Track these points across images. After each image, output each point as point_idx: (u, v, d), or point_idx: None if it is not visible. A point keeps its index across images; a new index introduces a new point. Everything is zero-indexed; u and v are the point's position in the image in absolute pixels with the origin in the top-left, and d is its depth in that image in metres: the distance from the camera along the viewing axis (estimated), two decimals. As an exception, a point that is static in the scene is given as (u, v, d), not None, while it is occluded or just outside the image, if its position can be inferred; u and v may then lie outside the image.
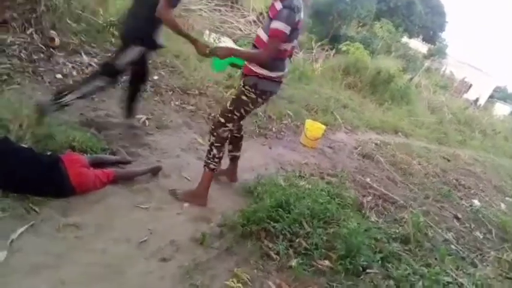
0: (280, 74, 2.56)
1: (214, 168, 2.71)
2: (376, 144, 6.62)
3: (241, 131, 3.14)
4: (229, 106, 2.61)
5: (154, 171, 2.84)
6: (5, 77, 3.11)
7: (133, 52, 2.83)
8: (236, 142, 3.13)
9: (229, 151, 3.13)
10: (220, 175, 3.15)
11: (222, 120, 2.61)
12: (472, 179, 6.97)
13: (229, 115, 2.60)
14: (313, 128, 5.12)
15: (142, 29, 2.82)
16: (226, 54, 2.42)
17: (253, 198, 2.94)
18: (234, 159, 3.20)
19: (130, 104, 3.33)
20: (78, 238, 2.02)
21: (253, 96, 2.55)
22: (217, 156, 2.69)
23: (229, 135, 2.73)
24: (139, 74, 3.25)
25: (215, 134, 2.64)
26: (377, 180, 4.66)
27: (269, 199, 2.75)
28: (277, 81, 2.61)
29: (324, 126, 5.25)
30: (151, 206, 2.50)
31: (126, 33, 2.95)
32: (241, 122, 3.00)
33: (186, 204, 2.64)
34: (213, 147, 2.67)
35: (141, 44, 2.86)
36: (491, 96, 32.17)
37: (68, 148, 2.55)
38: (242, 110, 2.60)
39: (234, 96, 2.64)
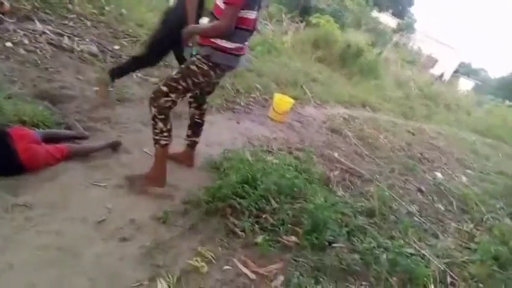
0: (238, 45, 2.30)
1: (165, 144, 2.46)
2: (344, 118, 6.66)
3: (203, 116, 2.89)
4: (175, 74, 2.33)
5: (114, 147, 2.70)
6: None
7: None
8: (197, 127, 2.91)
9: (188, 136, 2.93)
10: (175, 159, 2.88)
11: (165, 89, 2.31)
12: (435, 152, 7.16)
13: (174, 84, 2.30)
14: (282, 102, 5.04)
15: None
16: (189, 36, 2.39)
17: (218, 174, 2.86)
18: (192, 145, 2.96)
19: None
20: (28, 219, 1.88)
21: (205, 68, 2.29)
22: (164, 129, 2.41)
23: (171, 107, 2.38)
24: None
25: (156, 104, 2.33)
26: (344, 154, 4.68)
27: (235, 175, 2.67)
28: (235, 55, 2.33)
29: (292, 100, 5.18)
30: (110, 183, 2.37)
31: None
32: (204, 106, 2.81)
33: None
34: (157, 120, 2.38)
35: None
36: (455, 71, 33.09)
37: (18, 123, 2.35)
38: (189, 81, 2.30)
39: (183, 65, 2.38)
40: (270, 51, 8.18)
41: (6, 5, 3.83)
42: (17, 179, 2.08)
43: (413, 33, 26.02)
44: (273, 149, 3.86)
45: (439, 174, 5.63)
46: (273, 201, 2.63)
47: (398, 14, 30.51)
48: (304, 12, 12.30)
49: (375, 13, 21.69)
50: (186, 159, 2.97)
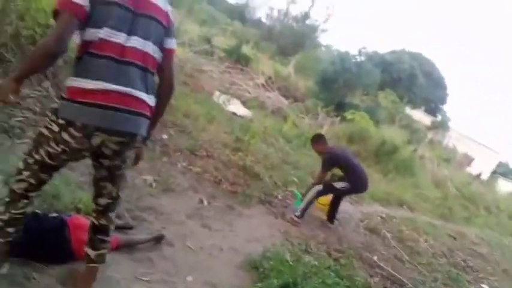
0: (100, 86, 1.59)
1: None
2: (381, 217, 6.49)
3: (105, 214, 1.93)
4: (30, 146, 1.74)
5: (158, 240, 2.72)
6: (17, 130, 3.09)
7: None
8: (93, 234, 1.96)
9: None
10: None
11: (20, 165, 1.73)
12: (479, 260, 6.73)
13: (27, 158, 1.71)
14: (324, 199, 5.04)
15: None
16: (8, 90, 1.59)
17: (258, 275, 2.78)
18: (89, 263, 1.96)
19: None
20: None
21: (55, 128, 1.62)
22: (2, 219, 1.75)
23: (24, 193, 1.73)
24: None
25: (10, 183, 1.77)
26: (384, 258, 4.47)
27: (276, 278, 2.59)
28: (96, 105, 1.59)
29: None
30: (153, 278, 2.34)
31: None
32: (112, 196, 1.89)
33: (189, 278, 2.48)
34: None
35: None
36: (493, 172, 32.23)
37: (73, 210, 2.45)
38: (42, 151, 1.66)
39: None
40: (305, 145, 8.36)
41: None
42: (67, 269, 2.10)
43: (447, 131, 26.06)
44: (311, 249, 3.75)
45: (486, 287, 5.22)
46: (314, 312, 2.50)
47: (431, 111, 31.03)
48: (339, 107, 12.75)
49: (408, 110, 22.17)
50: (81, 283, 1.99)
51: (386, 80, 22.76)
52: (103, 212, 1.92)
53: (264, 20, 27.73)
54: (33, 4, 4.37)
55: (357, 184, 4.71)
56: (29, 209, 1.82)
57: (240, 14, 27.54)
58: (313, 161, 7.51)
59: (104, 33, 1.62)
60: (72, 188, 2.66)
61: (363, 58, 15.35)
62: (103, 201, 1.90)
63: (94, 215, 1.94)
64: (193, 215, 3.38)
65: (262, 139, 6.90)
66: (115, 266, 2.29)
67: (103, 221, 1.93)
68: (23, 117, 3.34)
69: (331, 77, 13.11)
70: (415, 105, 26.11)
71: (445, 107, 35.42)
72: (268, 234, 3.77)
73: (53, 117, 1.62)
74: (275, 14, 26.44)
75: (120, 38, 1.65)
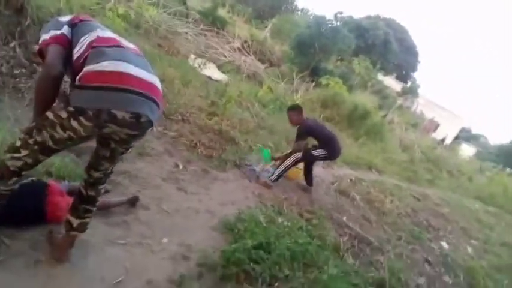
0: (116, 69, 1.59)
1: None
2: (351, 180, 6.72)
3: (95, 186, 1.96)
4: (32, 123, 1.70)
5: (133, 202, 2.74)
6: (-19, 92, 2.97)
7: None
8: (79, 203, 1.97)
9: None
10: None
11: (17, 143, 1.68)
12: (440, 220, 7.15)
13: (26, 137, 1.67)
14: None
15: None
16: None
17: (233, 236, 2.88)
18: (70, 231, 1.99)
19: None
20: (50, 276, 1.89)
21: (63, 115, 1.60)
22: None
23: (18, 171, 1.70)
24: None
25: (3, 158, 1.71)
26: (352, 219, 4.69)
27: (250, 239, 2.70)
28: (116, 89, 1.57)
29: None
30: (129, 241, 2.39)
31: None
32: (106, 172, 1.95)
33: (165, 240, 2.54)
34: None
35: None
36: (457, 137, 33.58)
37: (45, 174, 2.42)
38: (45, 134, 1.62)
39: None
40: (281, 109, 8.41)
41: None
42: (40, 234, 2.11)
43: (416, 97, 26.72)
44: (284, 211, 3.89)
45: (445, 244, 5.60)
46: (285, 269, 2.63)
47: (402, 78, 31.58)
48: (314, 73, 12.77)
49: (380, 76, 22.47)
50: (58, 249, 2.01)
51: (360, 45, 22.86)
52: (93, 183, 1.94)
53: (240, -18, 26.89)
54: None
55: (331, 152, 4.95)
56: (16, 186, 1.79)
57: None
58: (288, 126, 7.58)
59: (98, 33, 1.75)
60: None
61: (338, 23, 15.23)
62: (97, 174, 1.92)
63: (83, 184, 1.95)
64: (168, 179, 3.42)
65: (238, 104, 6.89)
66: (90, 229, 2.29)
67: (92, 192, 1.96)
68: (-13, 78, 3.20)
69: (306, 41, 12.99)
70: (387, 72, 26.49)
71: (415, 74, 36.14)
72: (243, 197, 3.87)
73: (61, 105, 1.62)
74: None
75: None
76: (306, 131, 4.77)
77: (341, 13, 15.86)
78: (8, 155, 1.68)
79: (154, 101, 1.69)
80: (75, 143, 1.73)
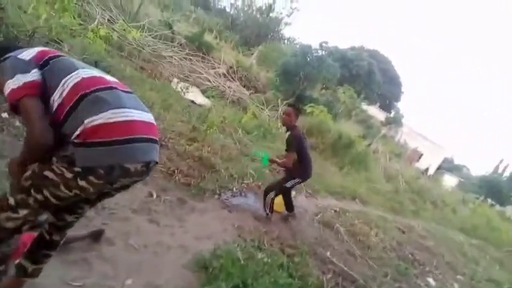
0: (119, 113, 1.48)
1: None
2: (335, 211, 6.53)
3: (62, 231, 1.80)
4: (26, 179, 1.52)
5: (96, 236, 2.48)
6: None
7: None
8: (38, 248, 1.77)
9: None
10: None
11: (11, 200, 1.51)
12: (426, 253, 6.98)
13: (23, 196, 1.50)
14: None
15: None
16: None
17: (207, 276, 2.62)
18: (21, 276, 1.78)
19: None
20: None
21: (68, 175, 1.44)
22: None
23: (19, 228, 1.55)
24: None
25: None
26: (337, 254, 4.47)
27: (224, 281, 2.45)
28: (124, 141, 1.46)
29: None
30: (87, 282, 2.12)
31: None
32: (81, 215, 1.78)
33: (129, 281, 2.27)
34: None
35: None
36: (439, 167, 34.01)
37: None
38: (46, 192, 1.47)
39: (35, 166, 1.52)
40: (265, 136, 8.28)
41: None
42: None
43: (400, 127, 27.12)
44: (264, 245, 3.65)
45: (431, 281, 5.41)
46: (264, 314, 2.38)
47: (386, 107, 32.14)
48: (299, 100, 12.78)
49: (364, 106, 22.77)
50: None
51: (345, 75, 23.23)
52: (62, 227, 1.75)
53: (228, 9, 27.36)
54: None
55: (307, 175, 4.68)
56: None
57: (204, 2, 26.95)
58: (272, 154, 7.43)
59: (81, 73, 1.55)
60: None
61: (324, 52, 15.45)
62: (71, 218, 1.74)
63: (47, 228, 1.71)
64: (140, 210, 3.15)
65: (221, 129, 6.72)
66: (44, 269, 2.04)
67: (57, 237, 1.75)
68: None
69: (292, 69, 13.07)
70: (371, 101, 26.91)
71: (398, 104, 36.88)
72: (221, 229, 3.62)
73: (64, 165, 1.43)
74: (239, 4, 26.16)
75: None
76: (297, 142, 4.38)
77: (326, 43, 16.17)
78: (4, 216, 1.50)
79: (156, 141, 1.62)
80: (83, 199, 1.61)
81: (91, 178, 1.43)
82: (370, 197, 9.41)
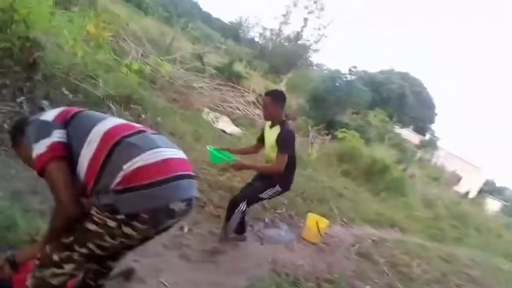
0: (155, 153, 1.48)
1: None
2: (373, 240, 6.24)
3: (106, 276, 1.79)
4: (66, 236, 1.48)
5: (127, 275, 2.42)
6: (-22, 149, 2.80)
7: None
8: None
9: None
10: None
11: (55, 257, 1.48)
12: (473, 285, 6.52)
13: (67, 252, 1.48)
14: (320, 223, 4.84)
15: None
16: None
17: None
18: None
19: None
20: None
21: (111, 223, 1.42)
22: None
23: (64, 284, 1.52)
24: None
25: (36, 275, 1.51)
26: (377, 288, 4.22)
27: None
28: (164, 179, 1.43)
29: (327, 221, 5.02)
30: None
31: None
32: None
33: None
34: None
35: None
36: (480, 190, 32.40)
37: (29, 243, 2.15)
38: (91, 245, 1.46)
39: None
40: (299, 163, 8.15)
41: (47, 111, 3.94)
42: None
43: (436, 150, 26.22)
44: (300, 280, 3.48)
45: (482, 318, 5.00)
46: None
47: (420, 130, 31.28)
48: (330, 126, 12.65)
49: (397, 129, 22.24)
50: None
51: (376, 99, 22.91)
52: (106, 274, 1.75)
53: (257, 39, 27.99)
54: (13, 15, 4.14)
55: (289, 184, 3.70)
56: None
57: (233, 33, 27.74)
58: (304, 181, 7.29)
59: (107, 123, 1.57)
60: (30, 215, 2.35)
61: (353, 77, 15.36)
62: (114, 264, 1.77)
63: (90, 276, 1.68)
64: (171, 245, 3.09)
65: (251, 158, 6.67)
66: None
67: (102, 281, 1.73)
68: (-13, 134, 3.05)
69: (322, 95, 13.04)
70: (403, 124, 26.29)
71: (433, 126, 35.86)
72: (254, 264, 3.48)
73: (106, 214, 1.41)
74: (268, 33, 26.71)
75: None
76: (292, 134, 3.46)
77: (355, 67, 16.06)
78: (48, 272, 1.48)
79: (194, 176, 1.62)
80: (128, 246, 1.61)
81: (136, 224, 1.41)
82: (409, 224, 9.00)
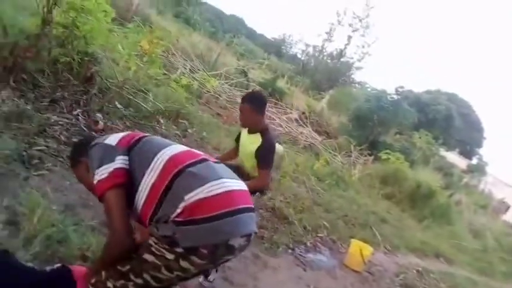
0: (219, 184, 1.46)
1: None
2: (418, 271, 5.93)
3: None
4: (123, 264, 1.48)
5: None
6: (35, 160, 2.89)
7: None
8: None
9: None
10: None
11: (110, 284, 1.49)
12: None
13: (122, 282, 1.47)
14: (364, 250, 4.65)
15: None
16: None
17: None
18: None
19: None
20: None
21: (169, 256, 1.38)
22: None
23: None
24: None
25: None
26: (424, 326, 3.97)
27: None
28: (226, 212, 1.41)
29: (371, 249, 4.83)
30: None
31: None
32: None
33: None
34: None
35: None
36: (530, 220, 30.30)
37: (79, 259, 2.18)
38: (147, 276, 1.43)
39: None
40: (338, 184, 7.97)
41: (101, 123, 4.08)
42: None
43: (484, 175, 24.87)
44: (344, 312, 3.34)
45: None
46: None
47: (466, 154, 29.88)
48: (373, 146, 12.31)
49: (442, 152, 21.32)
50: None
51: (421, 120, 22.13)
52: None
53: (299, 55, 28.05)
54: (74, 30, 4.35)
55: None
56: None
57: (276, 49, 27.97)
58: (346, 203, 7.09)
59: (171, 150, 1.57)
60: (82, 230, 2.39)
61: (399, 97, 14.95)
62: None
63: None
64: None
65: (293, 177, 6.58)
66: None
67: None
68: (45, 146, 3.17)
69: (365, 114, 12.75)
70: (449, 148, 25.18)
71: (481, 150, 34.15)
72: (296, 291, 3.39)
73: (165, 246, 1.39)
74: (310, 50, 26.71)
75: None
76: (273, 143, 3.08)
77: (402, 87, 15.63)
78: None
79: (254, 209, 1.58)
80: (184, 279, 1.58)
81: (194, 258, 1.37)
82: (455, 255, 8.53)
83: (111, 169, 1.47)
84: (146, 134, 1.69)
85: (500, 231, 14.74)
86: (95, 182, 1.49)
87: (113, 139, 1.59)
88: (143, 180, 1.49)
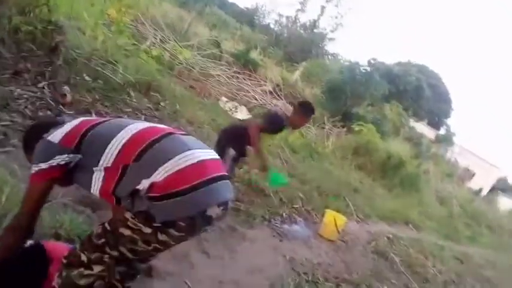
0: (188, 155, 1.40)
1: None
2: (388, 238, 6.18)
3: (135, 277, 1.62)
4: (97, 236, 1.46)
5: (147, 272, 2.36)
6: (0, 136, 2.75)
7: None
8: None
9: None
10: None
11: (84, 257, 1.44)
12: (487, 286, 6.50)
13: (97, 254, 1.43)
14: (337, 220, 4.76)
15: None
16: None
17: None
18: None
19: None
20: None
21: (146, 229, 1.35)
22: None
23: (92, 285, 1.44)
24: None
25: (64, 275, 1.46)
26: (395, 289, 4.16)
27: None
28: (201, 183, 1.36)
29: (345, 219, 4.96)
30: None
31: None
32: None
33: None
34: None
35: None
36: (493, 187, 31.94)
37: (52, 237, 2.11)
38: (123, 249, 1.40)
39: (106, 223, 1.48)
40: (312, 156, 8.08)
41: (69, 96, 3.90)
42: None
43: (451, 145, 25.79)
44: (319, 279, 3.43)
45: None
46: None
47: (435, 124, 30.75)
48: (346, 118, 12.45)
49: (412, 123, 21.86)
50: None
51: (392, 91, 22.45)
52: (134, 276, 1.61)
53: (272, 26, 27.55)
54: (37, -1, 4.09)
55: None
56: None
57: (249, 19, 27.31)
58: (320, 174, 7.21)
59: (130, 130, 1.49)
60: (53, 208, 2.31)
61: (371, 69, 15.06)
62: (143, 265, 1.67)
63: (118, 278, 1.52)
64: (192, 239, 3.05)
65: (268, 149, 6.60)
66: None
67: (129, 283, 1.62)
68: (10, 121, 3.01)
69: (339, 86, 12.80)
70: (419, 118, 25.82)
71: (448, 121, 35.19)
72: (273, 261, 3.43)
73: (141, 220, 1.35)
74: (284, 20, 26.28)
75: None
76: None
77: (375, 59, 15.73)
78: (76, 272, 1.43)
79: (228, 177, 1.54)
80: (161, 251, 1.51)
81: (172, 231, 1.35)
82: (423, 221, 8.93)
83: (45, 167, 1.45)
84: (102, 120, 1.60)
85: (465, 198, 15.53)
86: (31, 172, 1.49)
87: (58, 135, 1.50)
88: (102, 160, 1.43)
